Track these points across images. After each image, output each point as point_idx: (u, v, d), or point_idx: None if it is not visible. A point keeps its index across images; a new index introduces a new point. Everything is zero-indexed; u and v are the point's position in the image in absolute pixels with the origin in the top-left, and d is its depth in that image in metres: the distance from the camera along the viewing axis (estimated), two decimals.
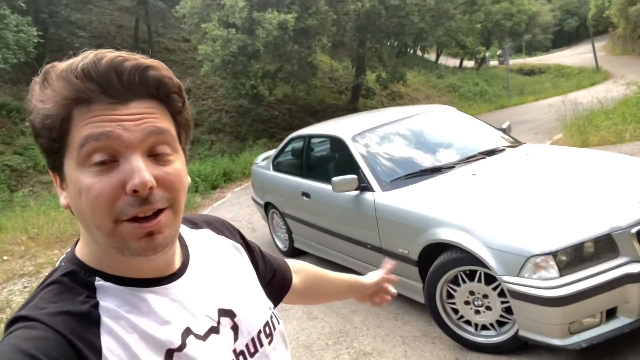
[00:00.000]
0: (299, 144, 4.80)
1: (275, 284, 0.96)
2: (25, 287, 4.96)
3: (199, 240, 0.79)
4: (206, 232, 0.83)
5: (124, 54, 0.59)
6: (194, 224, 0.83)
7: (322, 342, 3.24)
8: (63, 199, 0.63)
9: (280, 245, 5.12)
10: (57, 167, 0.61)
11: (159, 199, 0.59)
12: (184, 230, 0.78)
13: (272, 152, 5.45)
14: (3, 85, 12.90)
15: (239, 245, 0.87)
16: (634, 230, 2.43)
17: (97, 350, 0.57)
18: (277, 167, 5.06)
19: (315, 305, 1.10)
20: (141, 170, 0.57)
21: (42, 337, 0.54)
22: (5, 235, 6.61)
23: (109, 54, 0.58)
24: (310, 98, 17.13)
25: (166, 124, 0.62)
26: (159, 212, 0.60)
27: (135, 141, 0.58)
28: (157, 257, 0.62)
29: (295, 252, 4.78)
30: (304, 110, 16.74)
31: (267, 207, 5.16)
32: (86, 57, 0.58)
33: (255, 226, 6.29)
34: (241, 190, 9.40)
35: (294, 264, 1.07)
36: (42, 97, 0.59)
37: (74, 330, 0.56)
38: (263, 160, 5.60)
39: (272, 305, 0.83)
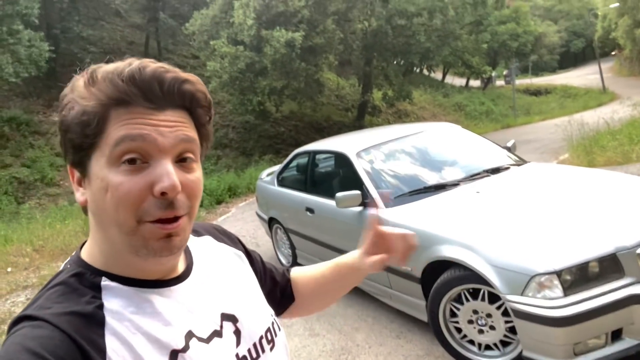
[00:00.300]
0: (303, 160, 4.82)
1: (276, 296, 0.96)
2: (28, 299, 4.96)
3: (202, 247, 0.81)
4: (207, 240, 0.85)
5: (165, 65, 0.63)
6: (196, 231, 0.85)
7: None
8: (80, 195, 0.65)
9: (284, 261, 5.11)
10: (81, 163, 0.63)
11: (182, 205, 0.62)
12: None
13: (277, 168, 5.47)
14: (14, 99, 13.09)
15: (240, 253, 0.88)
16: (639, 250, 2.41)
17: (102, 351, 0.57)
18: (282, 182, 5.07)
19: (330, 305, 0.98)
20: (171, 174, 0.60)
21: (48, 337, 0.55)
22: (10, 247, 6.64)
23: (152, 64, 0.62)
24: (316, 115, 17.25)
25: (194, 134, 0.65)
26: (178, 217, 0.62)
27: (168, 146, 0.61)
28: (169, 259, 0.64)
29: None
30: (310, 126, 16.84)
31: (271, 222, 5.16)
32: (131, 64, 0.62)
33: (259, 241, 6.28)
34: (246, 205, 9.41)
35: (293, 273, 1.03)
36: (85, 94, 0.61)
37: (80, 331, 0.57)
38: (268, 175, 5.62)
39: (273, 312, 0.84)
